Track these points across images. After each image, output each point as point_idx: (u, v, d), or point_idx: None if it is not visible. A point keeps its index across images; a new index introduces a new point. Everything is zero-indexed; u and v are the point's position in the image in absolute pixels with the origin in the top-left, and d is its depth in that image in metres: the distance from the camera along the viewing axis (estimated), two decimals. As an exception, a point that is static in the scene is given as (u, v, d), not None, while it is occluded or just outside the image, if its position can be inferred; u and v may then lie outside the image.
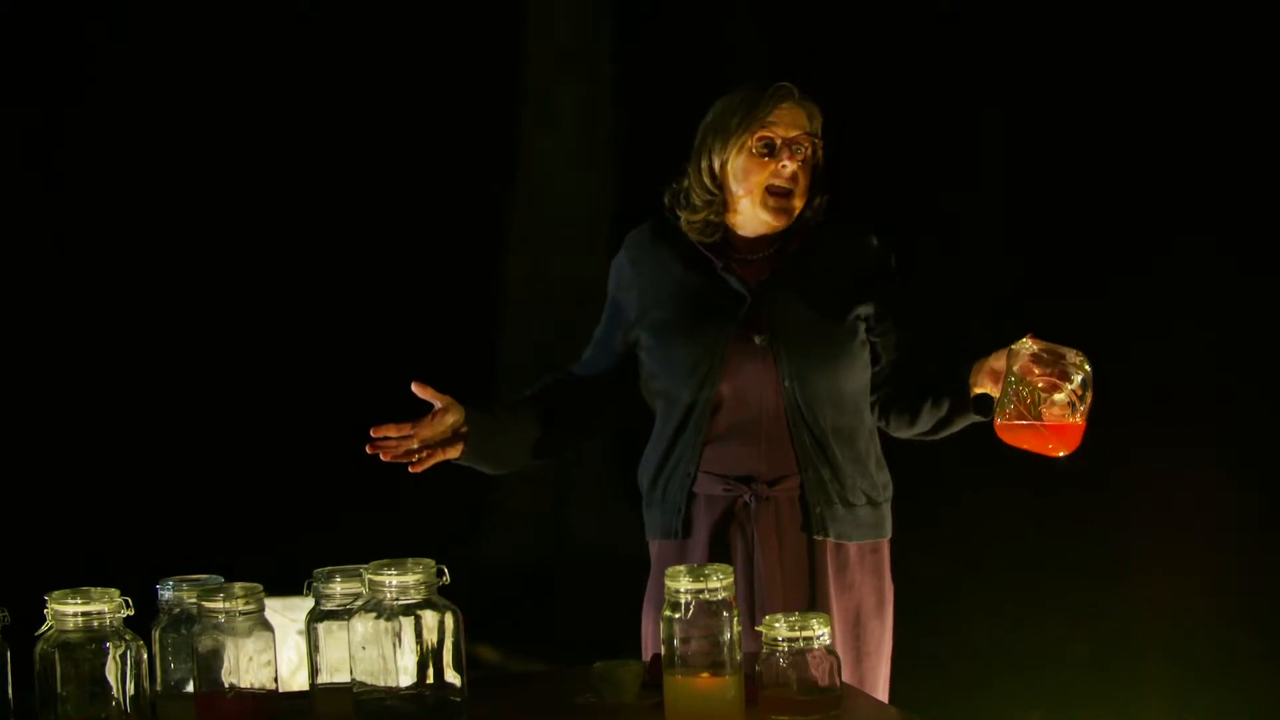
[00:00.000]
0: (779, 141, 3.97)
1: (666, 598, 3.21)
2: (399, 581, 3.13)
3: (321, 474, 8.28)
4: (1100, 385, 3.65)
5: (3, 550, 6.68)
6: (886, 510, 4.09)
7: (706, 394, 4.01)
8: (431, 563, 3.19)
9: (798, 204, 4.00)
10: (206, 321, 8.64)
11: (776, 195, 3.98)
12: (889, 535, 4.09)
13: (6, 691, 3.17)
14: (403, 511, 8.60)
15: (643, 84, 8.61)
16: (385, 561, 3.19)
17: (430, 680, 3.14)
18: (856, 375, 4.03)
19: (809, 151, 3.99)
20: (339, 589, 3.29)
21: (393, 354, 8.79)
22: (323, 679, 3.30)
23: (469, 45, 9.55)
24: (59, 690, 3.06)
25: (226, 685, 3.19)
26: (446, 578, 3.19)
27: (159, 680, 3.34)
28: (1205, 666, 6.59)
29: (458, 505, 9.02)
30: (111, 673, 3.07)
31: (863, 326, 4.03)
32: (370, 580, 3.16)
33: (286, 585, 3.52)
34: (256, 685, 3.21)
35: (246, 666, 3.20)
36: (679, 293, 4.09)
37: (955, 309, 8.02)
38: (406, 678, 3.13)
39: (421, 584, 3.14)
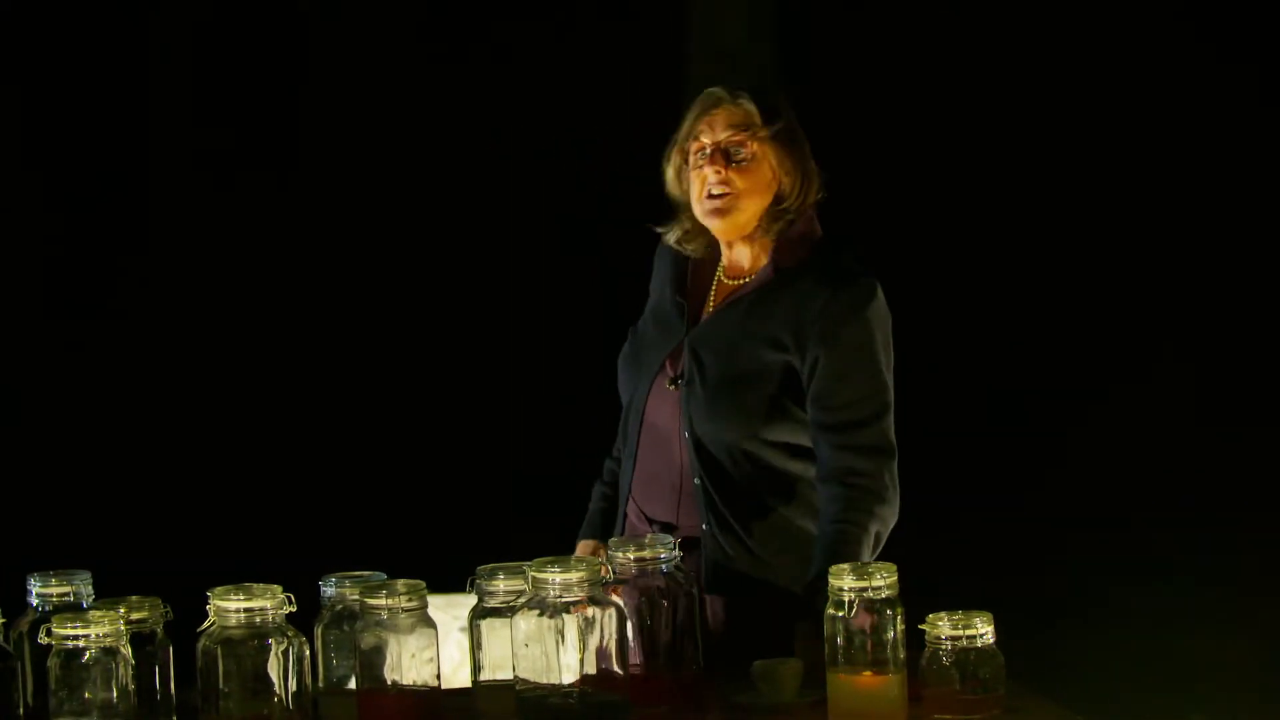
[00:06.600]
0: (709, 148, 3.80)
1: (830, 595, 3.17)
2: (562, 579, 3.13)
3: (488, 475, 8.28)
4: (1112, 387, 3.54)
5: (166, 546, 6.76)
6: None
7: (633, 427, 3.89)
8: (595, 561, 3.21)
9: (742, 205, 3.80)
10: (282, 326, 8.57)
11: (710, 199, 3.81)
12: None
13: (169, 687, 3.19)
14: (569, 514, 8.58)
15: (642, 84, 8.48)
16: (548, 559, 3.19)
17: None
18: (772, 432, 3.75)
19: (750, 151, 3.80)
20: (502, 586, 3.27)
21: (404, 356, 8.69)
22: (485, 676, 3.30)
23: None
24: (221, 686, 3.07)
25: (389, 682, 3.20)
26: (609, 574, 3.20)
27: (321, 677, 3.37)
28: (1204, 669, 6.50)
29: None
30: (273, 669, 3.08)
31: (776, 383, 3.75)
32: (534, 578, 3.17)
33: (449, 582, 3.52)
34: (419, 682, 3.21)
35: (409, 663, 3.20)
36: (653, 312, 4.00)
37: (955, 328, 7.91)
38: (569, 675, 3.13)
39: (585, 581, 3.14)
